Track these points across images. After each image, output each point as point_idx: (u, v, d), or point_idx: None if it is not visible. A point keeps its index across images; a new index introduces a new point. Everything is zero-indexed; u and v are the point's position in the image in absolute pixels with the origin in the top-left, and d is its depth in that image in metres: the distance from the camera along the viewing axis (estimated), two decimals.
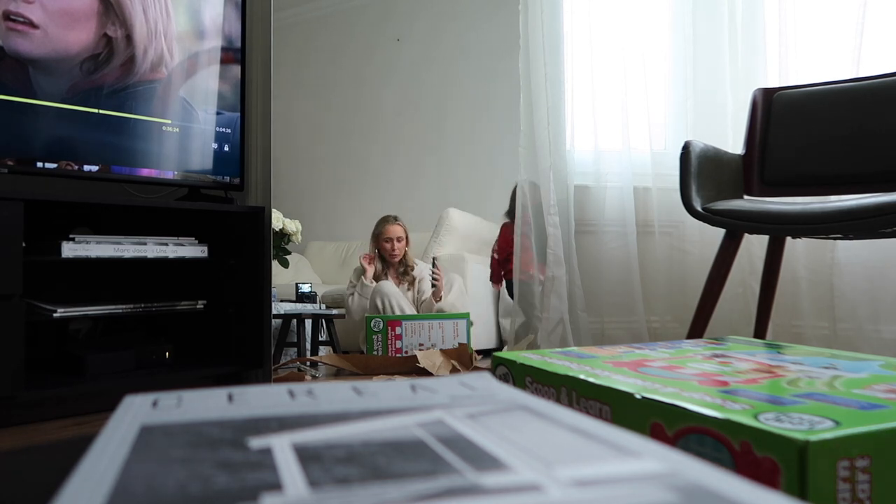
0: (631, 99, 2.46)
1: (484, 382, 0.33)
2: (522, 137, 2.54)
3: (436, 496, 0.17)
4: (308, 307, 3.31)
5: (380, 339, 2.67)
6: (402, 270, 3.14)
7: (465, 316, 2.76)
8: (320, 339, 3.35)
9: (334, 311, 3.32)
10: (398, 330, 2.69)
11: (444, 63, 4.77)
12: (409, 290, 3.11)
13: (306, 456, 0.21)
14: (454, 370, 2.39)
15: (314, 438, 0.23)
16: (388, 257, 3.10)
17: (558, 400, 0.57)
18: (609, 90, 2.49)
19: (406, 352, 2.66)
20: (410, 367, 2.35)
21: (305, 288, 3.51)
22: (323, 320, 3.36)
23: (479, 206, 4.15)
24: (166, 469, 0.20)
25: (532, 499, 0.17)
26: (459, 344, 2.64)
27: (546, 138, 2.46)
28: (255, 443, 0.23)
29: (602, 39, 2.51)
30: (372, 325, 2.68)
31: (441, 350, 2.51)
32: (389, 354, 2.65)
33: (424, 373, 2.29)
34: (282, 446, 0.22)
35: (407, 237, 3.14)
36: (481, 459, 0.21)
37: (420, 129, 4.85)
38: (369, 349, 2.68)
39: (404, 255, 3.13)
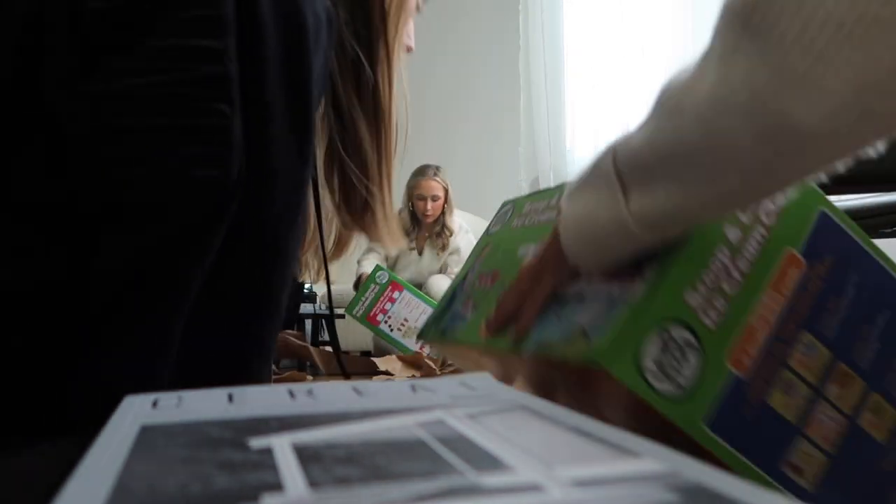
0: (631, 99, 2.47)
1: (484, 382, 0.33)
2: (522, 137, 2.55)
3: (436, 496, 0.17)
4: (308, 307, 3.31)
5: (374, 291, 2.30)
6: (438, 231, 2.74)
7: None
8: (320, 338, 3.35)
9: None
10: (395, 294, 2.36)
11: (444, 63, 4.76)
12: (438, 255, 2.72)
13: (306, 456, 0.21)
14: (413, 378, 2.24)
15: (314, 438, 0.23)
16: (420, 217, 2.74)
17: None
18: (609, 90, 2.49)
19: (388, 320, 2.33)
20: (371, 370, 2.07)
21: (305, 288, 3.51)
22: (323, 320, 3.36)
23: (480, 206, 4.14)
24: (167, 469, 0.20)
25: (532, 499, 0.17)
26: (415, 351, 2.31)
27: (546, 138, 2.47)
28: (256, 443, 0.23)
29: (602, 39, 2.51)
30: (377, 277, 2.31)
31: (398, 356, 2.25)
32: (372, 314, 2.35)
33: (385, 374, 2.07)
34: (282, 446, 0.22)
35: (447, 196, 2.76)
36: (481, 459, 0.21)
37: (419, 128, 4.83)
38: (358, 297, 2.33)
39: (441, 214, 2.74)
